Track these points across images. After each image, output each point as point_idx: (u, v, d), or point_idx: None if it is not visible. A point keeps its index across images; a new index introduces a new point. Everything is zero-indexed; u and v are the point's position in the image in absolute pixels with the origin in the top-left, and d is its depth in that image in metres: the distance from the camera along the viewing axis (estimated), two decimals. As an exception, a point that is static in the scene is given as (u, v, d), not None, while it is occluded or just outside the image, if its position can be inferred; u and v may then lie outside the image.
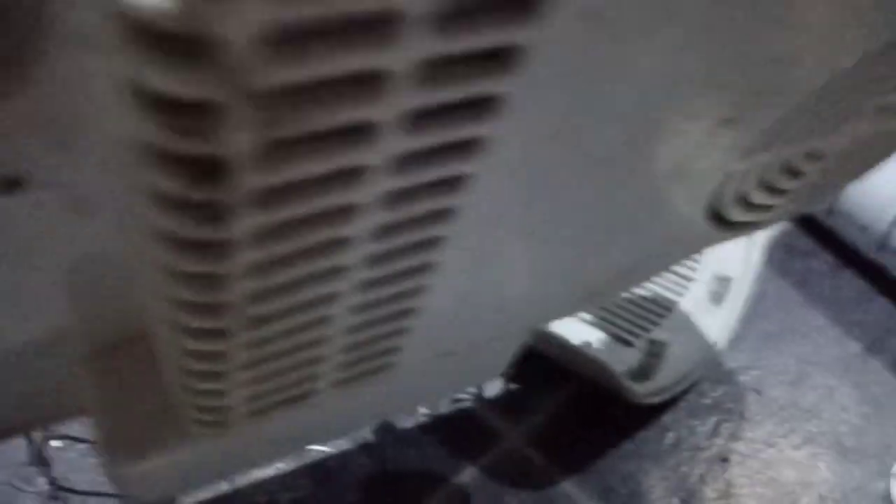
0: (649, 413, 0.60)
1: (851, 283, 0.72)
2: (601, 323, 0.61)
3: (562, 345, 0.57)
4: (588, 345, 0.59)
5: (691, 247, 0.31)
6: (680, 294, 0.65)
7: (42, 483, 0.46)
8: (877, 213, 0.70)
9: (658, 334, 0.61)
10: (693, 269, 0.66)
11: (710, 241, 0.30)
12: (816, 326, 0.70)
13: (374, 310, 0.21)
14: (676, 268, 0.66)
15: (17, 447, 0.46)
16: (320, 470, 0.52)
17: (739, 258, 0.67)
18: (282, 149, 0.13)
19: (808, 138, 0.25)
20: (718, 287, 0.66)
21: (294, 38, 0.12)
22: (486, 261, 0.23)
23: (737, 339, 0.66)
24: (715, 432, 0.62)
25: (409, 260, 0.19)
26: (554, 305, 0.31)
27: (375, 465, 0.53)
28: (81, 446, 0.48)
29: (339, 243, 0.17)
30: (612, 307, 0.62)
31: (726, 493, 0.59)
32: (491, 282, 0.24)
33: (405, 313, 0.22)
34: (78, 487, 0.47)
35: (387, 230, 0.17)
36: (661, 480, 0.58)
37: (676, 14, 0.16)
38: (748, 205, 0.27)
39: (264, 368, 0.21)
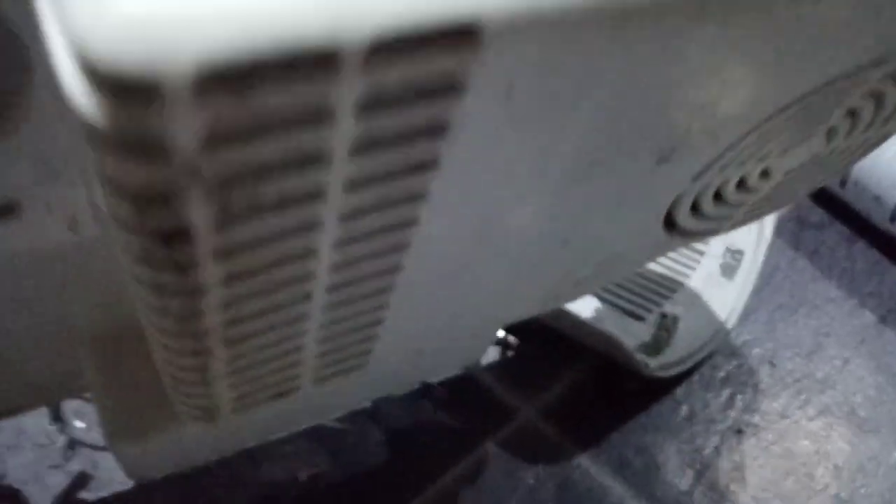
0: (663, 386, 0.61)
1: (865, 255, 0.72)
2: (613, 298, 0.61)
3: (574, 320, 0.58)
4: (600, 320, 0.59)
5: (651, 254, 0.31)
6: (692, 268, 0.65)
7: (63, 440, 0.48)
8: (890, 183, 0.69)
9: (670, 308, 0.62)
10: (705, 243, 0.66)
11: (667, 247, 0.31)
12: (830, 298, 0.70)
13: (342, 324, 0.23)
14: (688, 242, 0.66)
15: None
16: (338, 446, 0.53)
17: (752, 231, 0.67)
18: (236, 217, 0.14)
19: (761, 161, 0.26)
20: (731, 260, 0.66)
21: (232, 132, 0.12)
22: (447, 273, 0.24)
23: (750, 312, 0.66)
24: (729, 405, 0.62)
25: (368, 284, 0.21)
26: (522, 307, 0.32)
27: (392, 441, 0.54)
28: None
29: (303, 266, 0.18)
30: (623, 282, 0.62)
31: (741, 465, 0.59)
32: (453, 290, 0.25)
33: (371, 324, 0.24)
34: (95, 443, 0.49)
35: (345, 245, 0.18)
36: (676, 453, 0.59)
37: (588, 90, 0.17)
38: (702, 216, 0.28)
39: (245, 376, 0.23)
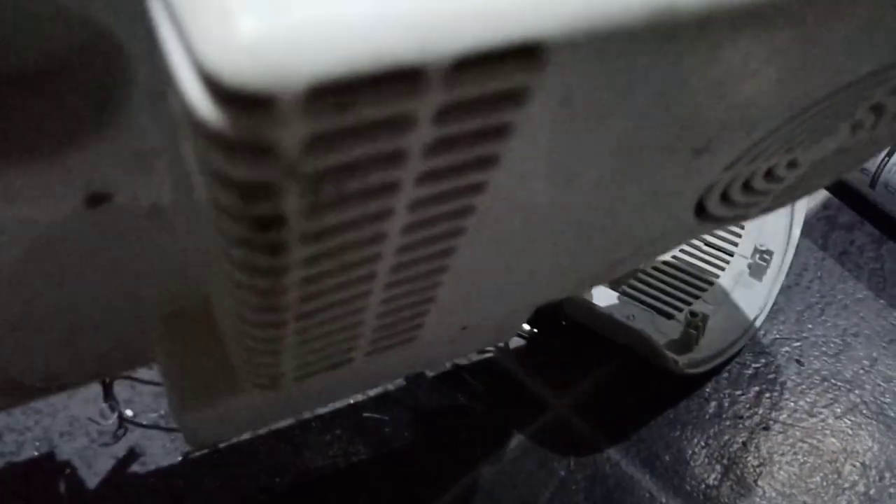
0: (691, 383, 0.62)
1: (894, 255, 0.73)
2: (644, 297, 0.63)
3: (605, 318, 0.59)
4: (631, 318, 0.60)
5: (682, 238, 0.33)
6: (721, 268, 0.66)
7: (113, 416, 0.51)
8: (919, 185, 0.70)
9: (699, 307, 0.63)
10: (734, 244, 0.67)
11: (698, 232, 0.32)
12: (858, 298, 0.70)
13: (400, 300, 0.25)
14: (717, 241, 0.67)
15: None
16: (377, 436, 0.55)
17: (780, 232, 0.68)
18: (323, 207, 0.17)
19: (789, 153, 0.27)
20: (759, 260, 0.67)
21: (329, 138, 0.15)
22: (496, 256, 0.26)
23: (778, 312, 0.67)
24: (757, 402, 0.63)
25: (426, 265, 0.23)
26: (559, 287, 0.34)
27: (429, 432, 0.56)
28: (146, 387, 0.52)
29: (373, 249, 0.20)
30: (654, 282, 0.64)
31: (768, 461, 0.60)
32: (499, 273, 0.28)
33: (425, 301, 0.26)
34: (142, 422, 0.52)
35: (411, 230, 0.20)
36: (704, 448, 0.60)
37: (634, 94, 0.19)
38: (731, 203, 0.29)
39: (310, 346, 0.25)
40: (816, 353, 0.67)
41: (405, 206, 0.19)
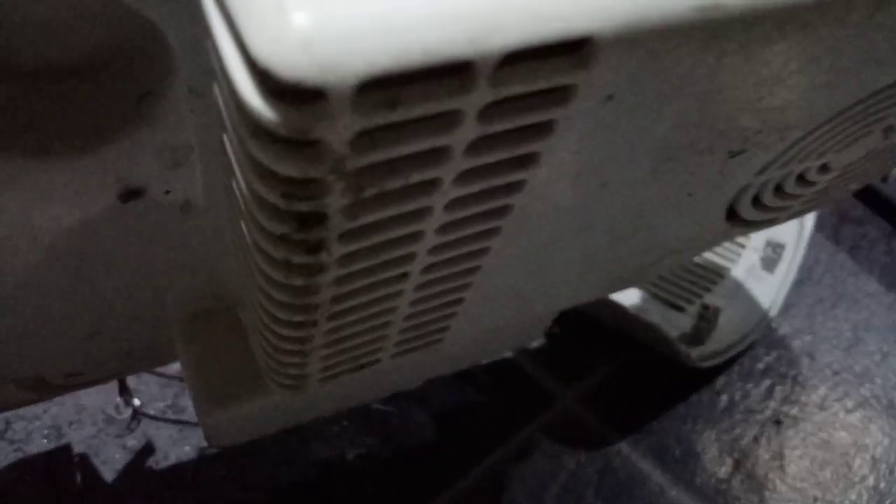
0: (703, 376, 0.62)
1: (906, 250, 0.73)
2: (656, 289, 0.62)
3: (617, 311, 0.59)
4: (643, 310, 0.60)
5: (711, 242, 0.33)
6: (733, 261, 0.65)
7: (127, 411, 0.50)
8: (932, 178, 0.70)
9: (711, 300, 0.62)
10: (746, 237, 0.67)
11: (727, 237, 0.32)
12: (870, 293, 0.70)
13: (429, 302, 0.25)
14: (729, 234, 0.67)
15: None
16: (385, 428, 0.54)
17: (792, 225, 0.67)
18: (365, 205, 0.17)
19: (821, 157, 0.27)
20: (771, 254, 0.66)
21: (377, 134, 0.15)
22: (527, 259, 0.25)
23: (790, 306, 0.67)
24: (768, 395, 0.63)
25: (458, 265, 0.23)
26: (588, 291, 0.34)
27: (437, 424, 0.56)
28: (153, 378, 0.52)
29: (408, 248, 0.20)
30: (666, 274, 0.63)
31: (779, 455, 0.60)
32: (530, 276, 0.27)
33: (453, 303, 0.26)
34: (150, 412, 0.52)
35: (446, 230, 0.20)
36: (715, 441, 0.60)
37: (676, 95, 0.19)
38: (763, 207, 0.29)
39: (339, 347, 0.25)
40: (828, 347, 0.66)
41: (443, 205, 0.18)
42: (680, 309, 0.62)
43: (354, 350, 0.25)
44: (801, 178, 0.28)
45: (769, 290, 0.65)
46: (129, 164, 0.24)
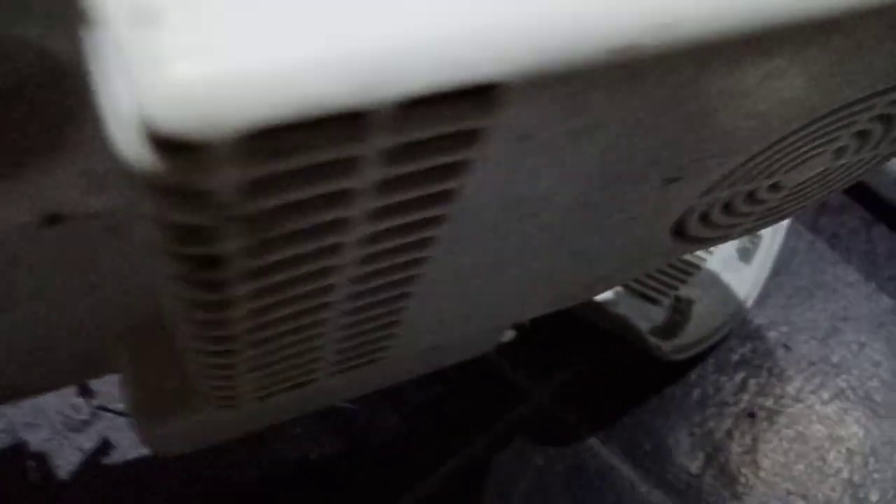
0: (676, 369, 0.61)
1: (885, 239, 0.72)
2: (628, 281, 0.61)
3: (589, 304, 0.58)
4: (614, 303, 0.59)
5: (661, 259, 0.32)
6: (708, 251, 0.64)
7: (87, 411, 0.50)
8: (913, 166, 0.69)
9: (685, 292, 0.61)
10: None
11: (677, 254, 0.31)
12: (848, 282, 0.69)
13: (360, 326, 0.24)
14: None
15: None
16: (349, 428, 0.54)
17: (770, 214, 0.66)
18: (265, 247, 0.16)
19: (770, 177, 0.26)
20: (748, 244, 0.65)
21: (267, 182, 0.14)
22: (460, 285, 0.25)
23: (766, 296, 0.66)
24: (742, 388, 0.62)
25: (386, 293, 0.22)
26: (534, 308, 0.33)
27: (403, 422, 0.55)
28: (112, 377, 0.51)
29: (324, 282, 0.19)
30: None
31: (753, 448, 0.59)
32: (465, 299, 0.27)
33: (388, 325, 0.25)
34: (116, 410, 0.51)
35: (366, 261, 0.19)
36: (688, 436, 0.59)
37: (600, 131, 0.18)
38: (712, 224, 0.28)
39: (267, 371, 0.24)
40: (804, 338, 0.66)
41: (357, 241, 0.17)
42: (654, 301, 0.61)
43: (287, 372, 0.25)
44: (751, 197, 0.27)
45: (745, 281, 0.64)
46: (49, 190, 0.23)
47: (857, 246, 0.71)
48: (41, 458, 0.48)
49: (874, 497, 0.59)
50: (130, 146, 0.13)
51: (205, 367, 0.22)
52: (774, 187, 0.27)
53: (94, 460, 0.49)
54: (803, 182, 0.27)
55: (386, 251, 0.19)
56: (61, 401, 0.50)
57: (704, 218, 0.27)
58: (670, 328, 0.60)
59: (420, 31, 0.13)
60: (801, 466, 0.60)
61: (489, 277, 0.25)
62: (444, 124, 0.14)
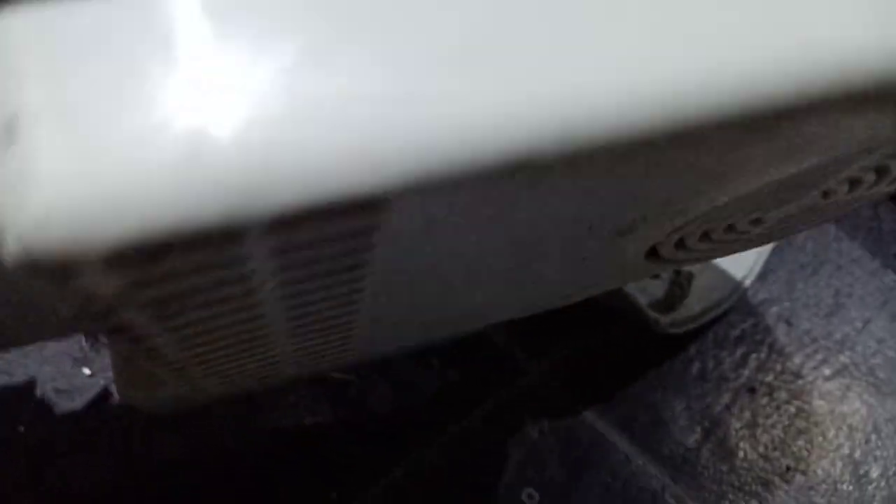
0: (675, 344, 0.61)
1: (891, 215, 0.71)
2: (627, 255, 0.61)
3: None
4: (613, 276, 0.59)
5: (638, 276, 0.30)
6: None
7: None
8: (921, 140, 0.67)
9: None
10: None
11: (654, 272, 0.30)
12: (853, 258, 0.68)
13: (311, 340, 0.23)
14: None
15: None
16: (342, 396, 0.54)
17: (773, 189, 0.66)
18: (175, 312, 0.16)
19: (746, 217, 0.24)
20: (750, 218, 0.65)
21: (149, 284, 0.14)
22: (412, 308, 0.24)
23: (769, 272, 0.65)
24: (742, 363, 0.62)
25: (327, 323, 0.21)
26: (498, 315, 0.32)
27: (396, 393, 0.55)
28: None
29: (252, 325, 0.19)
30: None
31: (752, 423, 0.59)
32: (428, 304, 0.25)
33: (344, 336, 0.24)
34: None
35: (292, 307, 0.19)
36: (685, 410, 0.59)
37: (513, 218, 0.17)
38: (689, 250, 0.27)
39: (223, 373, 0.23)
40: (807, 314, 0.65)
41: (276, 298, 0.17)
42: (653, 275, 0.60)
43: (246, 372, 0.24)
44: (731, 228, 0.25)
45: (747, 256, 0.63)
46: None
47: (863, 223, 0.70)
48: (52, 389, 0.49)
49: (875, 473, 0.59)
50: (12, 251, 0.12)
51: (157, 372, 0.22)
52: (756, 222, 0.25)
53: (86, 423, 0.49)
54: (788, 217, 0.26)
55: (311, 299, 0.18)
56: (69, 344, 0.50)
57: (680, 244, 0.25)
58: (669, 301, 0.59)
59: (295, 148, 0.12)
60: (801, 442, 0.59)
61: (437, 304, 0.24)
62: (328, 233, 0.14)
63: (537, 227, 0.18)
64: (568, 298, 0.30)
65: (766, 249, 0.64)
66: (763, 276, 0.65)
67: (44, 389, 0.49)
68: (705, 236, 0.26)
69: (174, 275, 0.13)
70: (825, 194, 0.24)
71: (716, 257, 0.29)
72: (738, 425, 0.59)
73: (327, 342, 0.23)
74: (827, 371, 0.62)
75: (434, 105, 0.13)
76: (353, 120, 0.13)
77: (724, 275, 0.62)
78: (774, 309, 0.65)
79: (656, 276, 0.60)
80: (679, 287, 0.59)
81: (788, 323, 0.64)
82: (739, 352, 0.62)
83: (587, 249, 0.22)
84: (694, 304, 0.60)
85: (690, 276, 0.60)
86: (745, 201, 0.22)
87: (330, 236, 0.14)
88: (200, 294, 0.15)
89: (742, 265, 0.63)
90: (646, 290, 0.59)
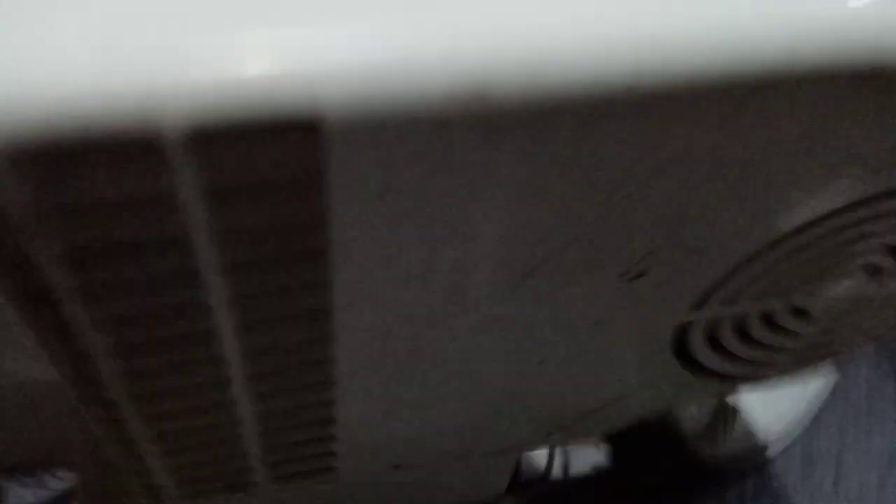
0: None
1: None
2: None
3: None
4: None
5: (673, 392, 0.27)
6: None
7: None
8: None
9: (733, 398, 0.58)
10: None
11: (694, 389, 0.26)
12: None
13: (279, 417, 0.21)
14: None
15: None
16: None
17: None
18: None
19: (784, 298, 0.22)
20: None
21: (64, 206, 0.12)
22: (394, 395, 0.22)
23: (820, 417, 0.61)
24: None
25: (302, 397, 0.20)
26: (514, 436, 0.29)
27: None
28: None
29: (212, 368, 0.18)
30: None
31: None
32: (409, 410, 0.24)
33: (318, 422, 0.22)
34: None
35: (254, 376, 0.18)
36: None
37: (484, 192, 0.15)
38: (724, 351, 0.24)
39: (180, 460, 0.22)
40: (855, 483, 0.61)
41: (239, 354, 0.16)
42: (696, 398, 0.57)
43: (207, 466, 0.22)
44: (770, 321, 0.22)
45: (801, 398, 0.60)
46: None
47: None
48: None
49: None
50: None
51: (121, 465, 0.21)
52: (801, 313, 0.23)
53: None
54: (838, 309, 0.23)
55: (276, 348, 0.17)
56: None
57: (711, 340, 0.23)
58: (711, 434, 0.56)
59: (235, 69, 0.12)
60: None
61: (419, 393, 0.22)
62: (260, 158, 0.12)
63: (516, 229, 0.17)
64: (608, 411, 0.27)
65: (818, 396, 0.61)
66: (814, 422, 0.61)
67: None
68: (742, 333, 0.23)
69: (91, 195, 0.12)
70: (870, 271, 0.22)
71: (770, 376, 0.27)
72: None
73: (301, 412, 0.21)
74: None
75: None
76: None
77: (771, 414, 0.59)
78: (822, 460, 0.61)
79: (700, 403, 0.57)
80: (723, 419, 0.56)
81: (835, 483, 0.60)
82: None
83: (593, 293, 0.20)
84: (736, 441, 0.57)
85: (735, 412, 0.57)
86: (767, 262, 0.20)
87: (266, 177, 0.13)
88: (133, 265, 0.14)
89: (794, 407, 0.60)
90: (692, 416, 0.56)
